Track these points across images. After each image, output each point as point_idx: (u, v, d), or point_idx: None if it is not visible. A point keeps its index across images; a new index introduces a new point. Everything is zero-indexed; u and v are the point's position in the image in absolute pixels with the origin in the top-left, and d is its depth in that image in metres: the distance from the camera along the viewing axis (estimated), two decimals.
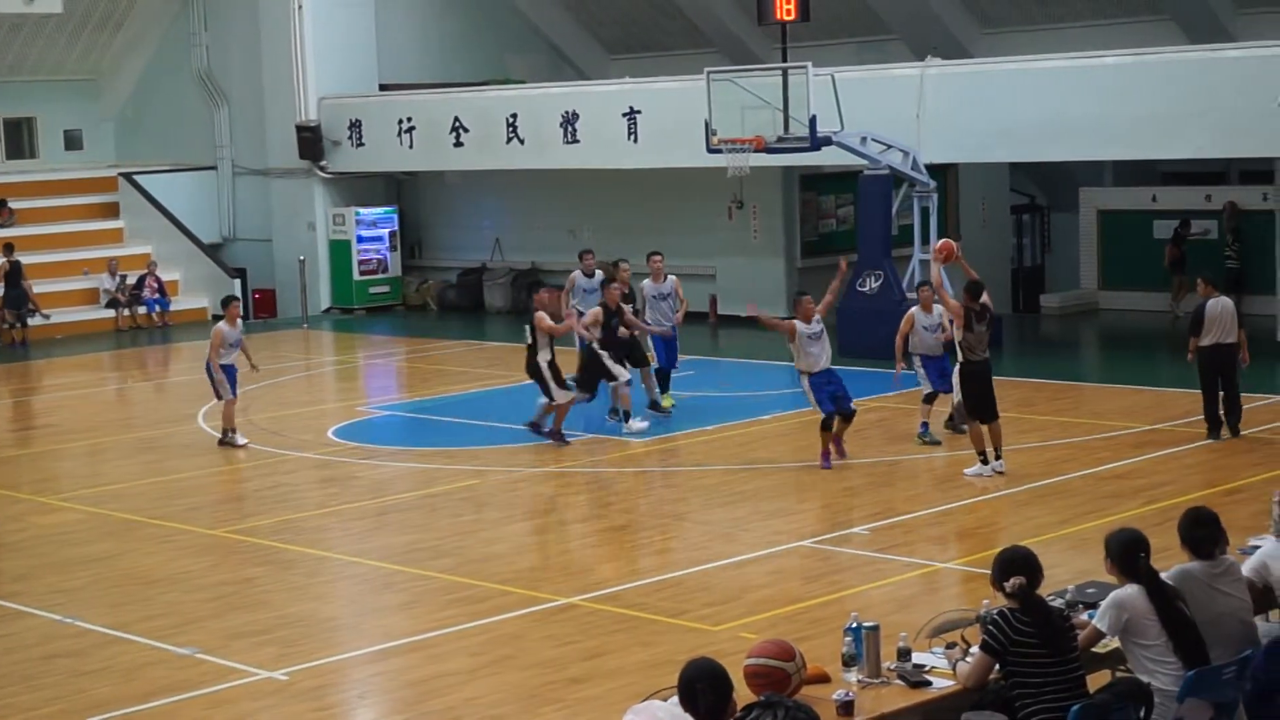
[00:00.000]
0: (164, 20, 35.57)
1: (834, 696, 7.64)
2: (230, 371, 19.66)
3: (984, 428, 16.48)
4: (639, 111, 28.36)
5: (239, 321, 20.03)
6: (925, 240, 24.72)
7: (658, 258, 20.92)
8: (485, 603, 12.91)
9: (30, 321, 30.41)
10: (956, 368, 16.83)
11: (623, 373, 19.52)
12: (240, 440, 19.63)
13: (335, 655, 11.92)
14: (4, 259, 30.75)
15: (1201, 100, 22.69)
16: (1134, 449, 17.65)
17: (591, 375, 19.54)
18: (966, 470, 16.62)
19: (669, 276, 20.78)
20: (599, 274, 22.97)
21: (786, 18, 24.75)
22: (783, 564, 13.91)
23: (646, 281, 20.71)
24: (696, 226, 29.58)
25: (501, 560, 14.27)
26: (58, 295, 32.12)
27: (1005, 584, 7.92)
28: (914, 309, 18.51)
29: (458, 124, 30.96)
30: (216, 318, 32.73)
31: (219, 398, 19.78)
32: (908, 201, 25.18)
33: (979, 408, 16.52)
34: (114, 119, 36.88)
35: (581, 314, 22.64)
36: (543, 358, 18.72)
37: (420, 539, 15.15)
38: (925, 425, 18.21)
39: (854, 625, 8.08)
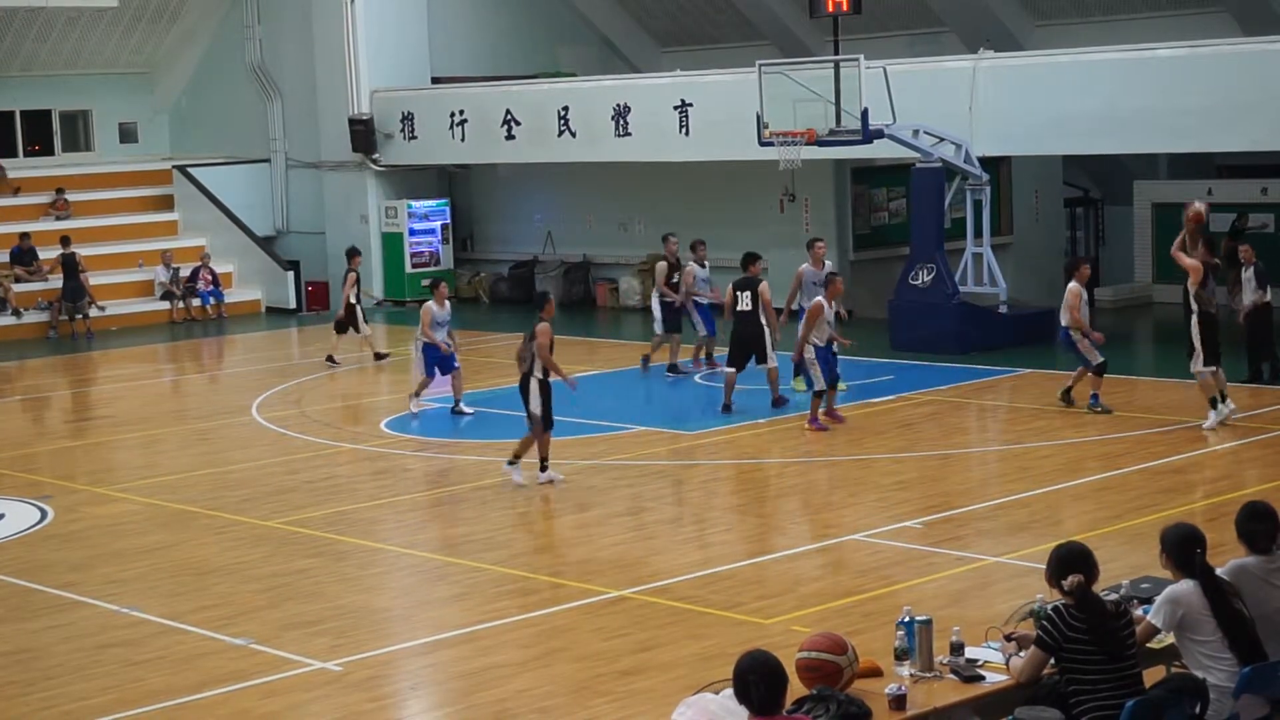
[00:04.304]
0: (217, 13, 35.77)
1: (886, 690, 7.64)
2: (430, 352, 20.78)
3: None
4: (690, 104, 28.32)
5: (446, 303, 21.03)
6: (978, 233, 24.58)
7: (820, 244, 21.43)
8: (537, 595, 12.95)
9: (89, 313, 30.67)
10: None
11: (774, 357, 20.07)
12: (414, 408, 20.88)
13: (387, 646, 11.98)
14: (59, 251, 31.01)
15: (1257, 92, 22.50)
16: (1189, 443, 17.55)
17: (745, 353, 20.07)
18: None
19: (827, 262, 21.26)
20: (705, 264, 22.99)
21: (838, 10, 24.68)
22: (835, 557, 13.89)
23: (805, 266, 20.96)
24: (748, 219, 29.52)
25: (553, 553, 14.29)
26: (113, 287, 32.37)
27: (1063, 582, 7.88)
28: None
29: (509, 117, 31.01)
30: (270, 309, 33.12)
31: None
32: (960, 194, 25.07)
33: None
34: (168, 112, 37.13)
35: (699, 303, 22.60)
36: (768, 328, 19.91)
37: (472, 531, 15.19)
38: (1095, 396, 19.30)
39: (906, 619, 8.06)
